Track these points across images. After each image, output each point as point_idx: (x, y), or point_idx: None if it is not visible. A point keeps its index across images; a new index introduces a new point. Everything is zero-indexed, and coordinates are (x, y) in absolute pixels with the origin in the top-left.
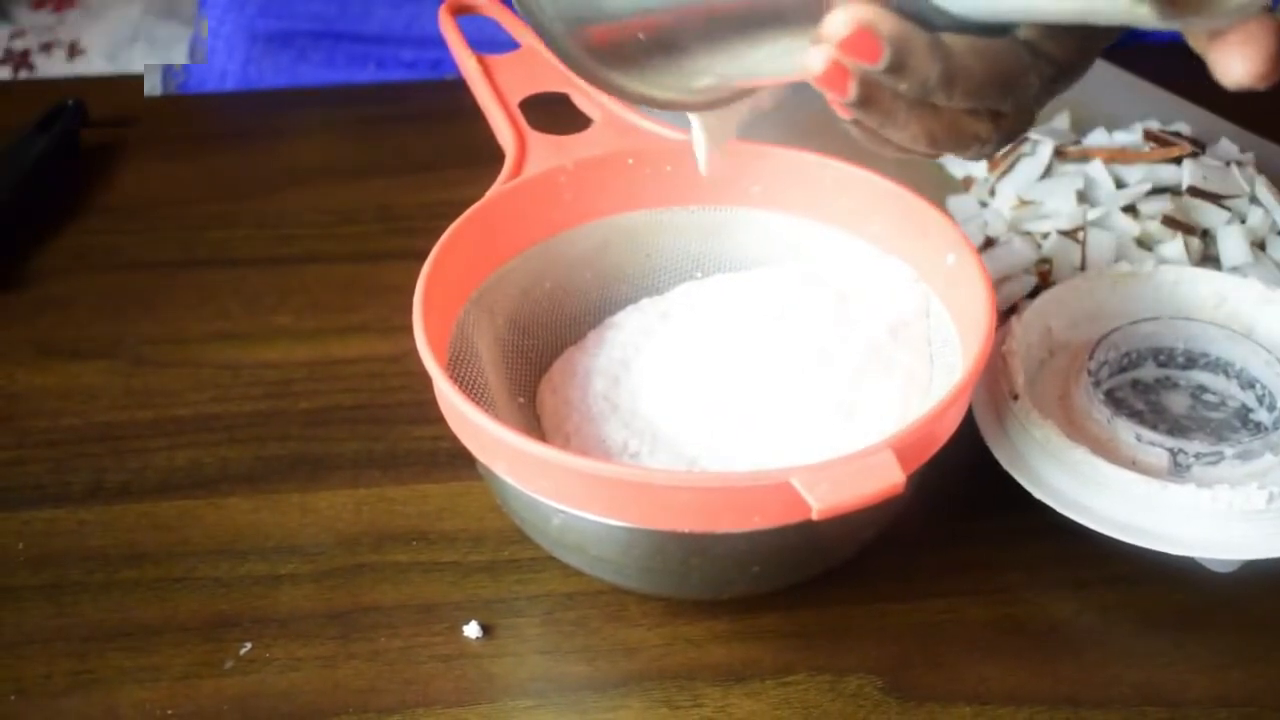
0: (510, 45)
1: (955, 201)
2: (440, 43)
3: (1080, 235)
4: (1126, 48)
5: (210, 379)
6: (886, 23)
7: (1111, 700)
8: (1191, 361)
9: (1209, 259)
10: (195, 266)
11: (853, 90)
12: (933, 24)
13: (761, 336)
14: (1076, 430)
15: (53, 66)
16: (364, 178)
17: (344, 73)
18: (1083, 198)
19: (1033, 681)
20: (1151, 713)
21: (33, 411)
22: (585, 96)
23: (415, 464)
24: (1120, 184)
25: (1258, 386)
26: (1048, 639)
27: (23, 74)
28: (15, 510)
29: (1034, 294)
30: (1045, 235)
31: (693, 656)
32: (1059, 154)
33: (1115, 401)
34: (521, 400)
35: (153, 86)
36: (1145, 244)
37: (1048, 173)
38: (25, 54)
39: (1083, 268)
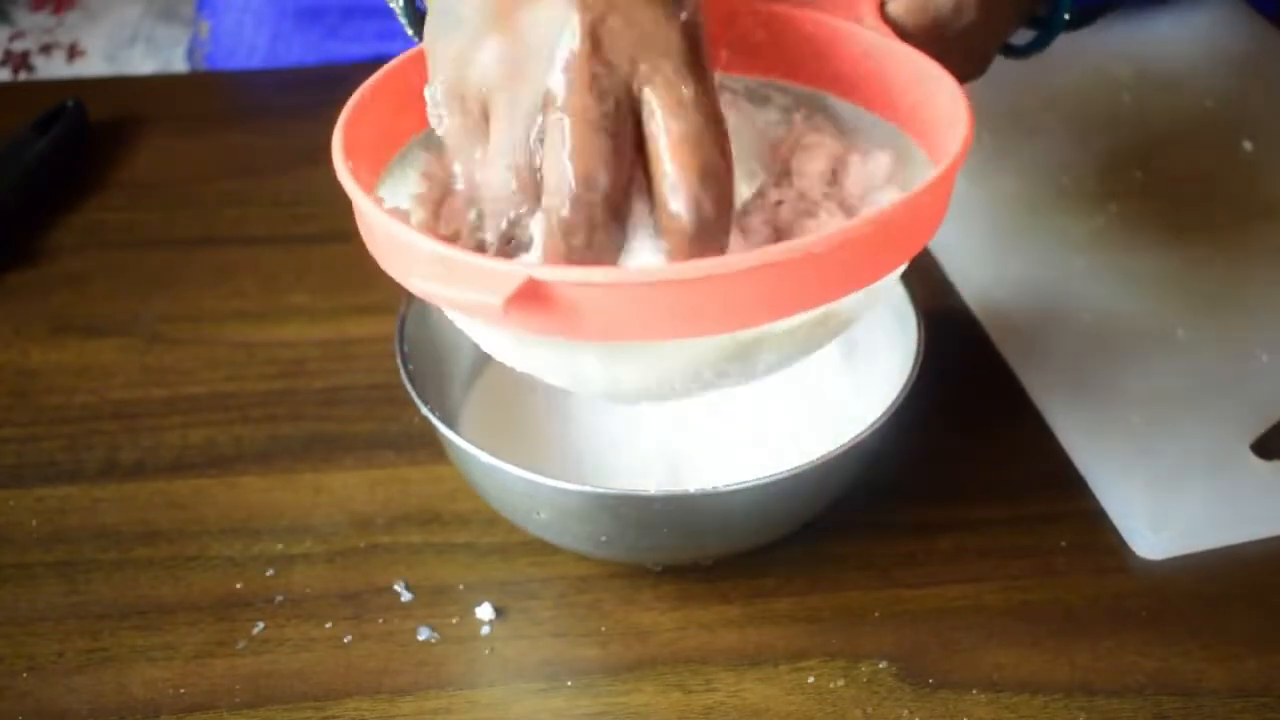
0: None
1: None
2: None
3: None
4: None
5: (225, 357)
6: None
7: (1127, 689)
8: None
9: None
10: (211, 244)
11: None
12: None
13: None
14: None
15: (52, 68)
16: None
17: (374, 48)
18: None
19: (1048, 669)
20: (1166, 702)
21: (47, 388)
22: None
23: (429, 445)
24: None
25: None
26: (1063, 626)
27: (22, 75)
28: (29, 487)
29: None
30: None
31: (706, 641)
32: None
33: None
34: None
35: (178, 60)
36: None
37: None
38: (25, 55)
39: None
